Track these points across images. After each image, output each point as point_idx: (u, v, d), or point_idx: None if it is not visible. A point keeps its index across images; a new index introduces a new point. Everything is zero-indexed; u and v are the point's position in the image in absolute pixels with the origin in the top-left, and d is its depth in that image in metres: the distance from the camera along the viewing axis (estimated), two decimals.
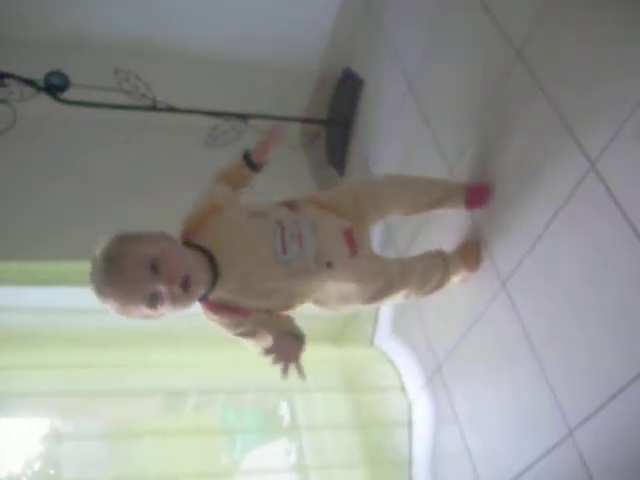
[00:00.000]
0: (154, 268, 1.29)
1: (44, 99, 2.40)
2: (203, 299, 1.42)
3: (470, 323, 1.87)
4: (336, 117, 2.79)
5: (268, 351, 1.28)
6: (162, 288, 1.29)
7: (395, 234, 2.31)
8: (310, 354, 2.47)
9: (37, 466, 2.31)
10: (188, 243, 1.42)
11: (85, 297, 1.46)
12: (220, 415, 2.55)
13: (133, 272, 1.29)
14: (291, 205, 1.60)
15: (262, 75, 2.74)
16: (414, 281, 1.71)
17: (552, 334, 1.55)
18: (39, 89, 2.40)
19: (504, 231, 1.73)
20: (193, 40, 2.63)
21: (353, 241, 1.60)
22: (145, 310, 1.33)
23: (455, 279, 1.83)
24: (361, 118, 2.64)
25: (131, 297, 1.30)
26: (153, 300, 1.30)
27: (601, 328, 1.40)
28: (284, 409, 2.54)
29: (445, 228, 1.97)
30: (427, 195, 1.77)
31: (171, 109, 2.48)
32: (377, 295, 1.64)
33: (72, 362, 2.25)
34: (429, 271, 1.76)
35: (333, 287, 1.55)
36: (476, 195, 1.80)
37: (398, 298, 1.70)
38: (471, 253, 1.84)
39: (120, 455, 2.23)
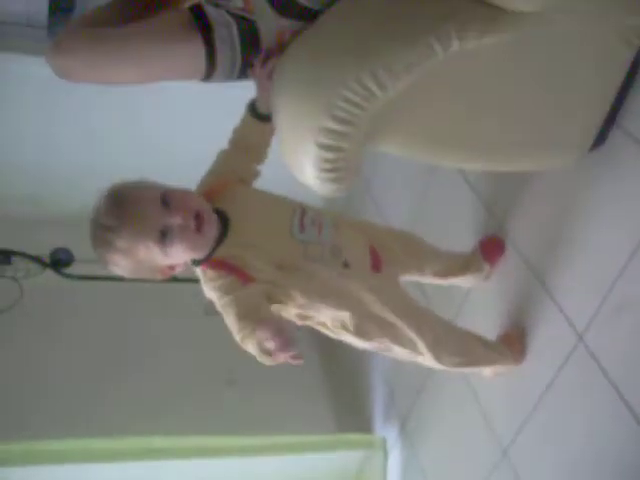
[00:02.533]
0: (165, 203, 1.23)
1: (49, 274, 2.49)
2: (205, 260, 1.32)
3: None
4: None
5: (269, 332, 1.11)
6: (174, 221, 1.22)
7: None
8: None
9: None
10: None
11: None
12: None
13: (144, 205, 1.22)
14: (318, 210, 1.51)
15: None
16: (434, 337, 1.50)
17: None
18: (45, 265, 2.51)
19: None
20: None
21: (378, 257, 1.53)
22: (155, 251, 1.23)
23: (490, 370, 1.71)
24: None
25: (142, 232, 1.22)
26: (164, 236, 1.22)
27: None
28: None
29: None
30: (456, 262, 1.78)
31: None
32: (380, 327, 1.45)
33: None
34: (457, 344, 1.59)
35: (353, 295, 1.41)
36: (491, 247, 1.81)
37: (406, 344, 1.48)
38: (517, 342, 1.71)
39: None
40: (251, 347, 1.19)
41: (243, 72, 1.42)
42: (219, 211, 1.35)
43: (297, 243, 1.37)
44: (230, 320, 1.25)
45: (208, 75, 1.40)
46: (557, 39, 1.17)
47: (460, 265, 1.79)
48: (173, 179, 1.33)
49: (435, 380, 2.08)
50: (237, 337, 1.23)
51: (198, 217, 1.25)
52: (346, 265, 1.42)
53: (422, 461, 2.17)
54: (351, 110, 1.15)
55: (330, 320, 1.45)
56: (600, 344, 1.45)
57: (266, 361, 1.16)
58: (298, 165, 1.31)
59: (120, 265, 1.26)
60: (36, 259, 2.49)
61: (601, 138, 1.41)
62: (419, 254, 1.72)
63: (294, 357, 1.11)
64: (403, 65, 1.11)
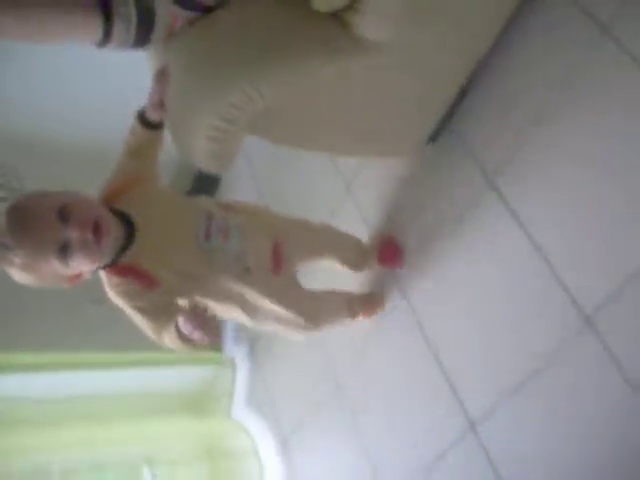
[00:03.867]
0: (63, 216, 1.20)
1: None
2: (110, 265, 1.32)
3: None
4: None
5: (187, 320, 1.20)
6: (72, 234, 1.20)
7: None
8: (169, 426, 2.71)
9: None
10: (105, 205, 1.33)
11: None
12: None
13: (40, 219, 1.19)
14: (227, 207, 1.57)
15: None
16: (321, 321, 1.74)
17: None
18: None
19: None
20: (63, 132, 2.74)
21: (279, 257, 1.58)
22: (56, 264, 1.22)
23: (348, 322, 1.90)
24: None
25: (39, 247, 1.19)
26: (64, 250, 1.20)
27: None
28: (146, 476, 2.75)
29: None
30: (349, 250, 1.88)
31: None
32: (286, 321, 1.64)
33: None
34: (336, 312, 1.85)
35: (252, 297, 1.52)
36: (389, 254, 1.95)
37: (299, 330, 1.69)
38: (375, 305, 1.96)
39: None
40: (168, 340, 1.30)
41: (134, 46, 1.55)
42: (123, 215, 1.34)
43: (202, 252, 1.40)
44: (142, 322, 1.32)
45: (103, 44, 1.52)
46: (402, 64, 1.46)
47: (354, 261, 1.90)
48: None
49: None
50: (152, 336, 1.33)
51: (97, 228, 1.23)
52: (247, 270, 1.48)
53: (267, 378, 2.54)
54: (233, 112, 1.34)
55: (228, 315, 1.58)
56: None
57: (185, 348, 1.27)
58: (188, 152, 1.48)
59: (24, 279, 1.24)
60: None
61: (434, 137, 1.75)
62: (319, 241, 1.80)
63: (211, 336, 1.21)
64: (278, 81, 1.33)
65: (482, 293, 1.67)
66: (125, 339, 2.62)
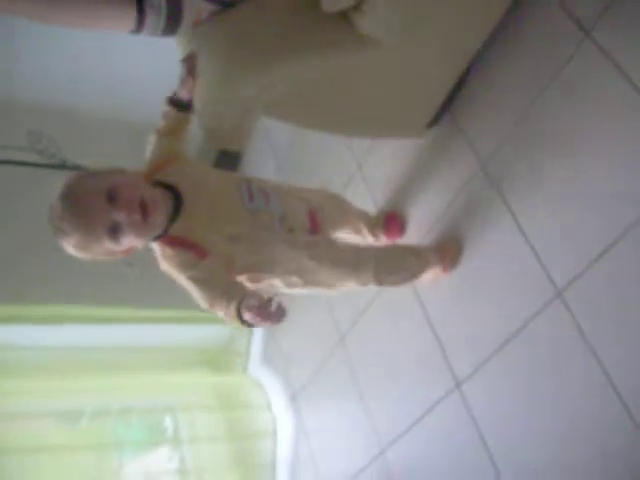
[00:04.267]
0: (110, 198, 1.27)
1: None
2: (162, 236, 1.39)
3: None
4: None
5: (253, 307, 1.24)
6: (120, 217, 1.28)
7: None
8: (190, 378, 2.94)
9: None
10: (150, 179, 1.42)
11: None
12: (111, 429, 2.95)
13: (90, 204, 1.27)
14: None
15: None
16: (369, 271, 1.68)
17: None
18: None
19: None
20: (100, 105, 2.92)
21: (316, 221, 1.64)
22: (108, 243, 1.31)
23: (427, 276, 1.82)
24: None
25: (91, 230, 1.29)
26: (114, 231, 1.28)
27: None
28: (168, 423, 3.00)
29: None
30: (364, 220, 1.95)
31: (78, 167, 2.83)
32: (332, 277, 1.63)
33: None
34: (393, 263, 1.76)
35: (293, 259, 1.55)
36: (393, 225, 2.02)
37: (353, 284, 1.69)
38: (450, 253, 1.85)
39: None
40: (221, 312, 1.35)
41: (164, 35, 1.72)
42: (170, 186, 1.41)
43: (248, 213, 1.47)
44: (197, 292, 1.37)
45: (136, 32, 1.70)
46: (403, 58, 1.63)
47: (370, 225, 1.98)
48: None
49: None
50: (205, 305, 1.38)
51: (144, 206, 1.30)
52: (291, 230, 1.55)
53: (280, 338, 2.76)
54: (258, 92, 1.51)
55: (279, 281, 1.58)
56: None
57: (239, 326, 1.32)
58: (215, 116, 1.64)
59: (80, 256, 1.34)
60: None
61: (435, 120, 1.91)
62: (346, 212, 1.90)
63: (275, 321, 1.24)
64: (292, 72, 1.51)
65: (475, 268, 1.83)
66: (155, 297, 2.88)
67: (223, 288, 1.36)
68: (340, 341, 2.35)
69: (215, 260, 1.38)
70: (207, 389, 2.89)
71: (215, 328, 2.93)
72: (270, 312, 1.24)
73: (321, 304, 2.44)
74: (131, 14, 1.64)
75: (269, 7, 1.55)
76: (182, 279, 1.40)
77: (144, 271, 2.75)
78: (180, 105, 1.57)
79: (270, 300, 1.25)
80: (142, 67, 2.69)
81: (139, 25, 1.66)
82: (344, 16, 1.51)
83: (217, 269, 1.38)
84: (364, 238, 1.97)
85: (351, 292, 1.78)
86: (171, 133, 1.57)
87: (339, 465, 2.35)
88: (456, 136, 1.90)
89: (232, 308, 1.31)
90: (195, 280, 1.38)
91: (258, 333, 2.86)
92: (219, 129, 1.65)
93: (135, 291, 2.71)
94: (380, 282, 1.73)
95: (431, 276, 1.83)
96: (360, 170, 2.31)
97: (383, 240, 2.02)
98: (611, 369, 1.46)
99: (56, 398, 2.72)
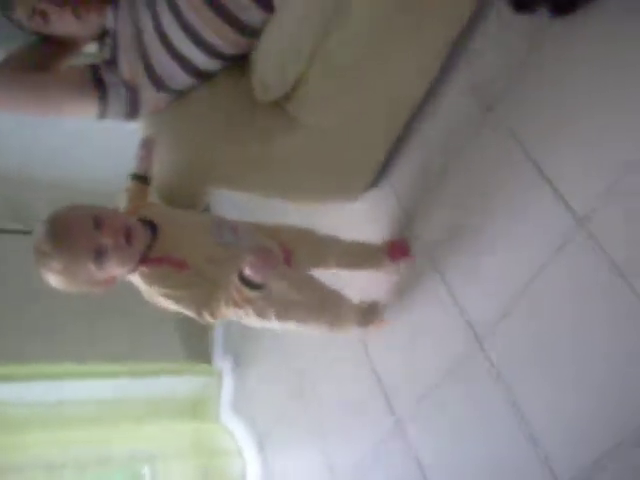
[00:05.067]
0: (97, 224, 1.33)
1: None
2: (143, 261, 1.44)
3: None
4: None
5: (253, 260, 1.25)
6: (107, 241, 1.33)
7: None
8: (168, 428, 3.09)
9: None
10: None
11: None
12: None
13: (77, 228, 1.32)
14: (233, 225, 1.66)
15: None
16: (333, 315, 1.79)
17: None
18: None
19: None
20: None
21: (289, 254, 1.71)
22: (92, 269, 1.34)
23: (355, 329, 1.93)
24: None
25: (77, 254, 1.32)
26: (99, 255, 1.33)
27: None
28: (146, 471, 3.13)
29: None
30: (359, 256, 1.94)
31: None
32: (302, 310, 1.70)
33: None
34: (347, 313, 1.86)
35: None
36: (397, 248, 1.97)
37: (314, 321, 1.75)
38: (379, 317, 1.96)
39: None
40: (224, 306, 1.34)
41: (127, 119, 1.95)
42: (146, 220, 1.48)
43: (218, 245, 1.53)
44: (182, 299, 1.40)
45: (101, 117, 1.92)
46: (335, 134, 1.86)
47: (362, 259, 1.95)
48: None
49: None
50: (194, 309, 1.39)
51: (127, 232, 1.37)
52: None
53: (250, 385, 2.92)
54: None
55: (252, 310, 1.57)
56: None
57: (249, 297, 1.30)
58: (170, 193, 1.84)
59: (60, 283, 1.37)
60: None
61: (374, 184, 2.13)
62: (323, 251, 1.86)
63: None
64: (236, 149, 1.75)
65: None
66: (131, 351, 3.05)
67: (211, 283, 1.38)
68: (302, 389, 2.53)
69: (194, 273, 1.41)
70: (183, 437, 3.02)
71: (188, 379, 3.10)
72: (269, 256, 1.28)
73: (288, 351, 2.62)
74: (94, 105, 1.88)
75: (213, 101, 1.78)
76: (167, 294, 1.42)
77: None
78: (141, 179, 1.66)
79: (263, 249, 1.34)
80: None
81: (102, 113, 1.89)
82: (277, 103, 1.74)
83: (198, 277, 1.41)
84: (358, 271, 1.97)
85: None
86: (136, 200, 1.65)
87: None
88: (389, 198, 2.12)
89: (236, 283, 1.29)
90: (180, 287, 1.40)
91: (228, 382, 3.03)
92: (175, 201, 1.86)
93: (112, 345, 2.90)
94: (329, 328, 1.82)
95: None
96: None
97: (386, 267, 1.98)
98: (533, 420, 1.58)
99: (40, 450, 2.87)
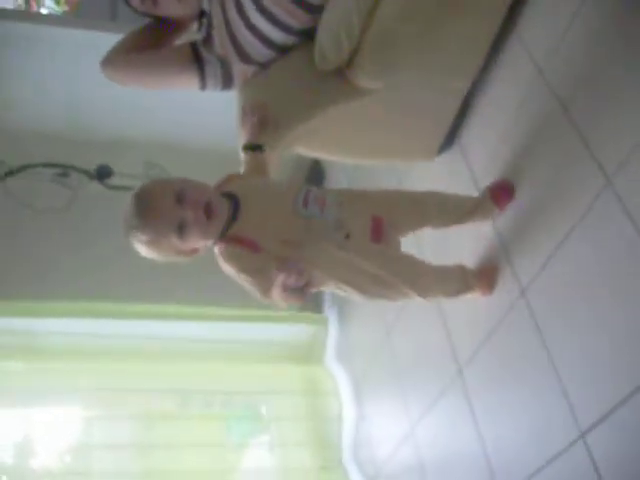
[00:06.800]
0: (179, 199, 1.41)
1: (95, 185, 3.37)
2: (221, 238, 1.51)
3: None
4: None
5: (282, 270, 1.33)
6: (188, 215, 1.40)
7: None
8: (280, 369, 3.43)
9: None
10: (216, 190, 1.55)
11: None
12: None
13: (160, 204, 1.42)
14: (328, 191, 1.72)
15: None
16: (423, 285, 1.71)
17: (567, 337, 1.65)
18: (91, 177, 3.40)
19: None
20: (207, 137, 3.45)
21: (379, 230, 1.64)
22: (175, 241, 1.43)
23: (468, 296, 1.85)
24: None
25: (160, 227, 1.42)
26: (181, 229, 1.41)
27: (617, 332, 1.48)
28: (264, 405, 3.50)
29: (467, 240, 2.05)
30: (463, 210, 1.84)
31: None
32: (381, 287, 1.64)
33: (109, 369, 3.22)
34: (445, 280, 1.80)
35: (353, 263, 1.57)
36: (501, 191, 1.86)
37: (401, 296, 1.69)
38: (488, 277, 1.86)
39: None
40: (276, 295, 1.41)
41: (223, 90, 2.23)
42: (229, 194, 1.54)
43: (300, 219, 1.54)
44: (251, 283, 1.47)
45: (202, 89, 2.22)
46: (399, 100, 2.00)
47: (467, 212, 1.84)
48: None
49: None
50: (261, 296, 1.46)
51: (208, 208, 1.44)
52: (347, 237, 1.57)
53: (351, 335, 3.17)
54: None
55: (333, 285, 1.62)
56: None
57: (290, 298, 1.40)
58: None
59: (149, 253, 1.48)
60: (86, 172, 3.39)
61: (445, 146, 2.24)
62: (425, 213, 1.79)
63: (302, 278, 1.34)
64: (307, 113, 1.95)
65: None
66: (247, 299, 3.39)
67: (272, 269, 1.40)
68: (387, 343, 2.72)
69: (268, 255, 1.46)
70: (291, 378, 3.37)
71: (299, 326, 3.41)
72: (294, 270, 1.33)
73: (375, 306, 2.81)
74: (195, 78, 2.18)
75: (287, 71, 2.01)
76: (237, 272, 1.49)
77: None
78: (252, 148, 1.74)
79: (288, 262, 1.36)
80: None
81: (203, 86, 2.19)
82: (340, 72, 1.91)
83: (270, 261, 1.43)
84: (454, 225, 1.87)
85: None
86: (255, 171, 1.71)
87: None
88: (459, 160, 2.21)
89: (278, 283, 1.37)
90: (248, 270, 1.47)
91: (332, 332, 3.29)
92: None
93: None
94: (424, 298, 1.74)
95: (469, 297, 1.88)
96: None
97: (491, 214, 1.88)
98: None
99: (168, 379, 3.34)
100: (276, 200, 1.59)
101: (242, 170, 1.72)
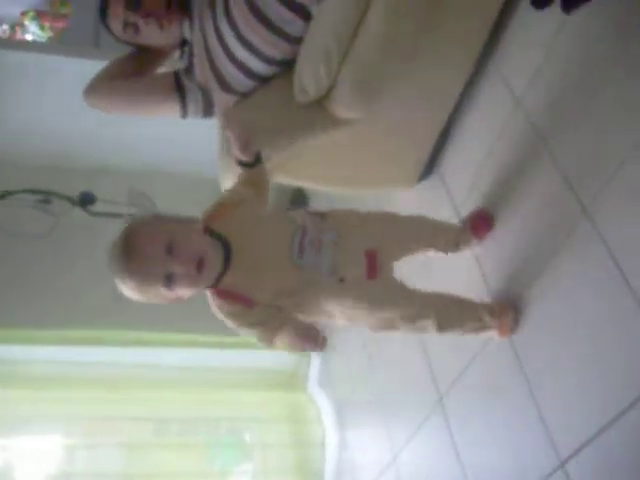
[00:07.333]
0: (169, 250, 1.33)
1: (78, 212, 3.33)
2: (213, 286, 1.46)
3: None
4: None
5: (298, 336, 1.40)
6: (177, 269, 1.34)
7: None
8: (264, 397, 3.41)
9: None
10: (207, 228, 1.46)
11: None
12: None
13: (149, 253, 1.34)
14: (322, 215, 1.65)
15: None
16: (428, 321, 1.65)
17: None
18: (74, 204, 3.38)
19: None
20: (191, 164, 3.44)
21: (374, 265, 1.61)
22: (162, 290, 1.37)
23: (485, 334, 1.76)
24: None
25: (147, 277, 1.35)
26: (168, 280, 1.34)
27: (595, 364, 1.50)
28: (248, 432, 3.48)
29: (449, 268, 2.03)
30: (443, 236, 1.85)
31: None
32: (384, 324, 1.63)
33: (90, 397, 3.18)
34: (456, 317, 1.70)
35: (344, 304, 1.56)
36: (480, 221, 1.89)
37: (409, 330, 1.67)
38: (507, 320, 1.75)
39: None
40: (280, 345, 1.46)
41: (203, 116, 2.24)
42: (221, 238, 1.46)
43: (296, 268, 1.50)
44: (252, 334, 1.48)
45: (183, 117, 2.24)
46: (377, 129, 2.02)
47: (452, 241, 1.86)
48: None
49: None
50: (263, 343, 1.48)
51: (200, 264, 1.36)
52: (342, 280, 1.54)
53: (333, 365, 3.16)
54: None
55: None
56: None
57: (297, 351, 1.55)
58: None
59: (133, 296, 1.41)
60: (68, 198, 3.38)
61: (425, 174, 2.26)
62: (413, 237, 1.80)
63: (319, 345, 1.42)
64: (285, 143, 1.97)
65: None
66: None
67: (276, 323, 1.46)
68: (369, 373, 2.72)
69: (263, 307, 1.47)
70: (276, 404, 3.36)
71: (283, 355, 3.38)
72: (309, 331, 1.43)
73: (359, 336, 2.82)
74: (177, 107, 2.20)
75: (267, 99, 2.03)
76: (238, 328, 1.49)
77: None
78: (246, 164, 1.63)
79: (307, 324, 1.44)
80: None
81: (184, 114, 2.21)
82: (320, 102, 1.93)
83: (267, 311, 1.46)
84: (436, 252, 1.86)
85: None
86: (249, 185, 1.63)
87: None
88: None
89: (285, 336, 1.45)
90: (246, 325, 1.47)
91: (315, 361, 3.29)
92: None
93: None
94: (441, 332, 1.69)
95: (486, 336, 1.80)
96: None
97: (472, 244, 1.90)
98: None
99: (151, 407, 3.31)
100: (271, 249, 1.53)
101: (238, 184, 1.65)
